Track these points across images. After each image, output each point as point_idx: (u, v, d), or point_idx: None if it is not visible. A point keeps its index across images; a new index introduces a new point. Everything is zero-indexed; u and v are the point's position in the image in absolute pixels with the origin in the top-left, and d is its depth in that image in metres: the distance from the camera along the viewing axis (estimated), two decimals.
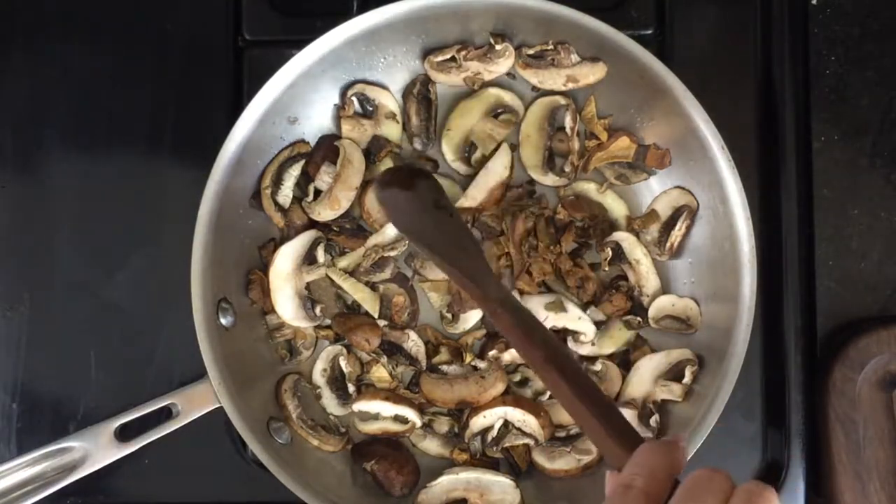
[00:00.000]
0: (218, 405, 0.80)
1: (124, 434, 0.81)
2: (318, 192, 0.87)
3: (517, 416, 0.85)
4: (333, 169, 0.86)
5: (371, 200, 0.87)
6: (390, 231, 0.86)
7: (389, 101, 0.89)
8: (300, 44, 0.82)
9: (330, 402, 0.88)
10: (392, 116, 0.89)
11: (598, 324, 0.87)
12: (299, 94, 0.84)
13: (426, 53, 0.87)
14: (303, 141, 0.88)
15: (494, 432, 0.85)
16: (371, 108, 0.89)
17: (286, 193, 0.87)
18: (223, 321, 0.83)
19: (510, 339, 0.71)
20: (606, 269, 0.88)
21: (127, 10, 0.93)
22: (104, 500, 0.88)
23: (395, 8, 0.81)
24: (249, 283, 0.87)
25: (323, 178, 0.87)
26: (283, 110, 0.84)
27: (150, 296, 0.90)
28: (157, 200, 0.90)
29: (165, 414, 0.82)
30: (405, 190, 0.78)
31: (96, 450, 0.80)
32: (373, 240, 0.86)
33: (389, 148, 0.88)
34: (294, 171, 0.87)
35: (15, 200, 0.91)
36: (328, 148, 0.87)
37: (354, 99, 0.88)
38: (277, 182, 0.87)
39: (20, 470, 0.79)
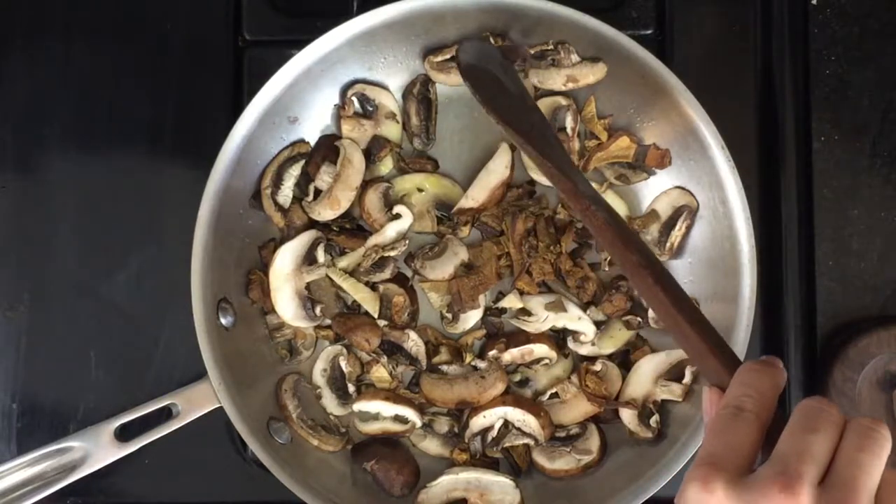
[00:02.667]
0: (218, 405, 0.80)
1: (124, 434, 0.81)
2: (318, 192, 0.87)
3: (517, 416, 0.85)
4: (333, 169, 0.86)
5: (371, 200, 0.87)
6: (390, 231, 0.86)
7: (389, 101, 0.89)
8: (300, 44, 0.82)
9: (330, 402, 0.88)
10: (392, 116, 0.89)
11: (598, 324, 0.87)
12: (299, 94, 0.84)
13: (426, 53, 0.87)
14: (303, 141, 0.88)
15: (494, 432, 0.85)
16: (371, 108, 0.89)
17: (286, 193, 0.87)
18: (223, 321, 0.83)
19: (602, 239, 0.66)
20: (606, 269, 0.88)
21: (127, 10, 0.93)
22: (104, 500, 0.89)
23: (395, 8, 0.81)
24: (249, 283, 0.87)
25: (323, 178, 0.87)
26: (283, 110, 0.84)
27: (150, 296, 0.90)
28: (157, 200, 0.91)
29: (165, 414, 0.81)
30: (491, 70, 0.73)
31: (96, 450, 0.80)
32: (373, 240, 0.86)
33: (389, 148, 0.89)
34: (294, 171, 0.87)
35: (15, 200, 0.91)
36: (328, 148, 0.87)
37: (354, 99, 0.88)
38: (277, 182, 0.87)
39: (20, 470, 0.79)
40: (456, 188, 0.89)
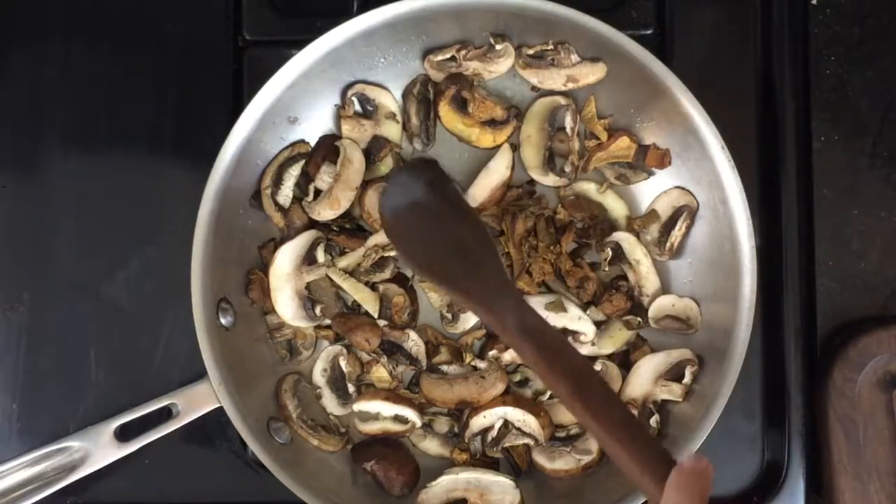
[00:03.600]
0: (218, 405, 0.80)
1: (124, 434, 0.81)
2: (318, 192, 0.87)
3: (517, 416, 0.85)
4: (333, 169, 0.86)
5: (371, 200, 0.87)
6: None
7: (389, 101, 0.89)
8: (300, 44, 0.82)
9: (330, 402, 0.88)
10: (392, 116, 0.89)
11: (598, 324, 0.87)
12: (299, 94, 0.84)
13: (426, 53, 0.87)
14: (303, 141, 0.88)
15: (494, 432, 0.85)
16: (371, 108, 0.89)
17: (286, 193, 0.87)
18: (223, 321, 0.83)
19: (534, 370, 0.67)
20: (606, 269, 0.88)
21: (127, 11, 0.93)
22: (104, 500, 0.88)
23: (395, 8, 0.81)
24: (249, 283, 0.87)
25: (323, 178, 0.87)
26: (283, 110, 0.84)
27: (150, 296, 0.90)
28: (157, 200, 0.90)
29: (165, 414, 0.82)
30: (420, 205, 0.73)
31: (96, 450, 0.80)
32: (373, 240, 0.86)
33: (389, 148, 0.88)
34: (294, 171, 0.87)
35: (15, 200, 0.91)
36: (328, 148, 0.87)
37: (354, 99, 0.88)
38: (277, 182, 0.87)
39: (20, 470, 0.79)
40: (457, 189, 0.89)
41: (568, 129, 0.87)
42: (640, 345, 0.88)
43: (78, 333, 0.89)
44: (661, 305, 0.87)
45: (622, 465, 0.61)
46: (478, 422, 0.85)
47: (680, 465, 0.58)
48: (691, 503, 0.56)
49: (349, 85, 0.88)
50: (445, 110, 0.87)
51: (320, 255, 0.87)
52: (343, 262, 0.87)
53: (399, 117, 0.89)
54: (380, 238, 0.86)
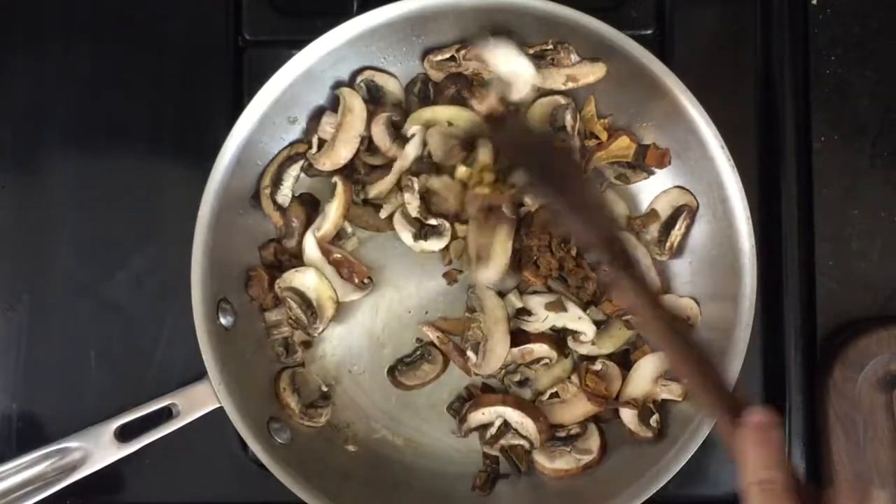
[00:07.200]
0: (218, 405, 0.80)
1: (124, 434, 0.81)
2: (321, 143, 0.87)
3: (515, 417, 0.84)
4: (335, 118, 0.85)
5: (377, 134, 0.86)
6: (409, 151, 0.85)
7: (397, 89, 0.88)
8: (300, 44, 0.82)
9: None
10: (399, 104, 0.89)
11: (598, 323, 0.87)
12: (299, 94, 0.84)
13: (426, 53, 0.87)
14: (302, 141, 0.88)
15: (494, 430, 0.85)
16: (379, 95, 0.88)
17: (286, 193, 0.87)
18: (223, 321, 0.83)
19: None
20: (606, 269, 0.88)
21: (127, 11, 0.93)
22: (104, 500, 0.88)
23: (395, 8, 0.81)
24: (249, 279, 0.87)
25: (325, 129, 0.86)
26: (283, 110, 0.84)
27: (150, 296, 0.90)
28: (157, 200, 0.90)
29: (165, 414, 0.82)
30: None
31: (96, 450, 0.80)
32: (397, 167, 0.85)
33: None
34: (294, 171, 0.87)
35: (15, 200, 0.91)
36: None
37: (363, 84, 0.87)
38: (277, 182, 0.87)
39: (20, 470, 0.79)
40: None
41: (568, 129, 0.87)
42: (640, 344, 0.88)
43: (78, 333, 0.89)
44: None
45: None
46: (476, 417, 0.85)
47: (746, 422, 0.60)
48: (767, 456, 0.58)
49: (358, 70, 0.87)
50: None
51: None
52: (373, 192, 0.86)
53: (405, 105, 0.89)
54: (403, 162, 0.85)
